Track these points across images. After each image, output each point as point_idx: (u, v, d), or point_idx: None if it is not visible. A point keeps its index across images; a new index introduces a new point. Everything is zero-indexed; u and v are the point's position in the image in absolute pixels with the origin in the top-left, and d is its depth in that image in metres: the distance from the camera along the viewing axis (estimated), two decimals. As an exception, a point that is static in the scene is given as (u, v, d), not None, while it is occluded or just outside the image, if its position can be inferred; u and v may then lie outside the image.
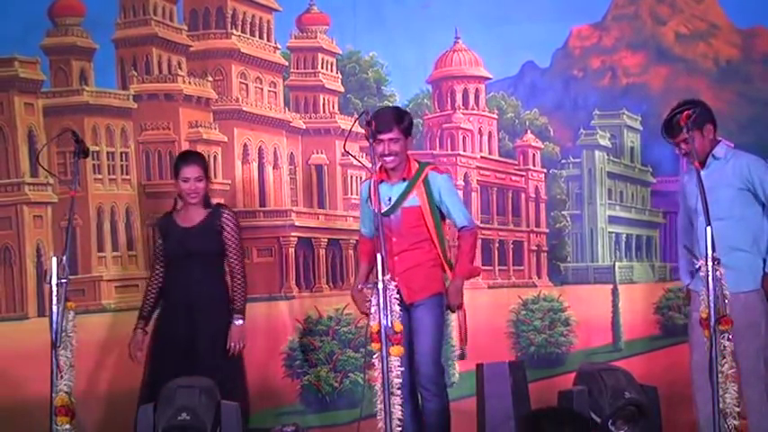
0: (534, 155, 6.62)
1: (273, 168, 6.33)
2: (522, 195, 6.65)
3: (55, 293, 3.85)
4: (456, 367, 6.03)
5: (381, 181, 4.55)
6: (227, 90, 6.24)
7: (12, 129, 5.76)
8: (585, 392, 4.24)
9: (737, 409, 4.03)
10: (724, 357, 3.98)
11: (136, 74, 6.03)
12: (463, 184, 6.47)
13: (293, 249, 6.21)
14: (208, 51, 6.22)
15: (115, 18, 6.03)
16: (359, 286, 4.67)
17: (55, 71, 5.94)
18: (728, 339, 3.98)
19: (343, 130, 6.21)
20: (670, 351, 6.09)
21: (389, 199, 4.66)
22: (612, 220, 6.68)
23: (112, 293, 5.88)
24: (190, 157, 5.02)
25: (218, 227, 4.88)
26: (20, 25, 5.82)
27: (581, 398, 4.22)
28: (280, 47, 6.43)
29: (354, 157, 4.56)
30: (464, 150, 6.52)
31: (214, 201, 5.11)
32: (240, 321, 4.87)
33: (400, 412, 3.98)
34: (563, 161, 6.57)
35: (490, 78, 6.54)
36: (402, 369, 4.01)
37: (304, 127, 6.40)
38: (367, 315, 4.09)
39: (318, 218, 6.33)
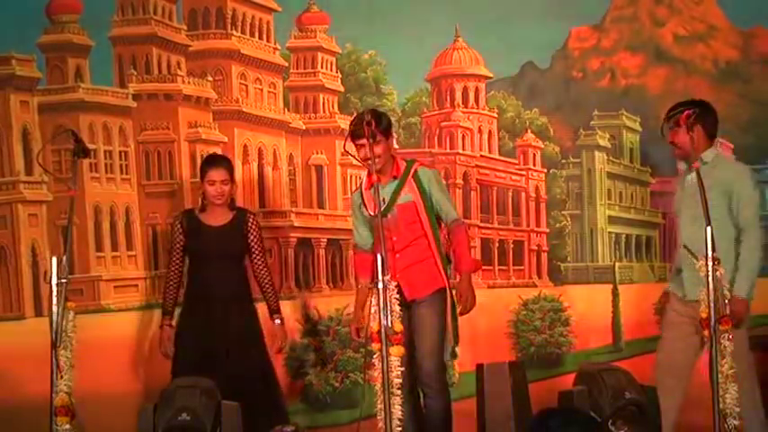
0: (534, 154, 6.62)
1: (273, 169, 6.33)
2: (523, 195, 6.65)
3: (55, 293, 3.84)
4: (456, 367, 6.02)
5: (372, 185, 4.55)
6: (227, 90, 6.23)
7: (7, 127, 5.70)
8: (585, 392, 4.22)
9: (737, 410, 4.03)
10: (724, 357, 3.98)
11: (135, 73, 6.01)
12: (462, 182, 6.47)
13: (293, 250, 6.21)
14: (207, 51, 6.20)
15: (112, 15, 6.00)
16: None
17: (51, 69, 5.89)
18: (728, 339, 3.98)
19: (343, 129, 6.20)
20: (670, 351, 6.10)
21: (383, 199, 4.65)
22: (612, 220, 6.69)
23: (111, 293, 5.87)
24: (216, 160, 5.06)
25: (244, 230, 4.98)
26: (16, 22, 5.78)
27: (581, 398, 4.20)
28: (279, 48, 6.43)
29: (354, 157, 4.55)
30: (463, 149, 6.52)
31: None
32: (279, 321, 5.05)
33: (400, 412, 3.97)
34: (563, 161, 6.58)
35: (490, 77, 6.55)
36: (402, 369, 4.00)
37: (304, 127, 6.40)
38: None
39: (318, 218, 6.33)
